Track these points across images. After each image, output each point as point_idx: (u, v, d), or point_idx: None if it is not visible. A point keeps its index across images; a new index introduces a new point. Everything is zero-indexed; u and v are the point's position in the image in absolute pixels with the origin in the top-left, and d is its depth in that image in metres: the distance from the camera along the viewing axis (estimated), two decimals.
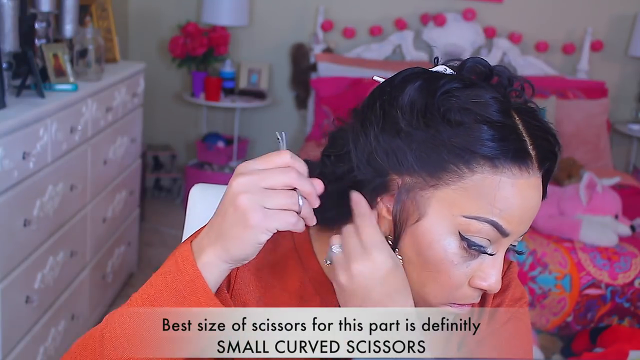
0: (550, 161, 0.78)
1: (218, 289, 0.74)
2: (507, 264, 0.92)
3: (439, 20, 3.88)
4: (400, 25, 3.96)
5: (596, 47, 3.98)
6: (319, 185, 0.72)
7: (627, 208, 2.88)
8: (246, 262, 0.73)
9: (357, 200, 0.76)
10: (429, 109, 0.75)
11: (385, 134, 0.77)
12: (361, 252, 0.74)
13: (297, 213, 0.71)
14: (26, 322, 2.04)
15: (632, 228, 2.81)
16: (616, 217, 2.79)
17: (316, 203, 0.71)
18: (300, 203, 0.70)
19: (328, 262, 0.78)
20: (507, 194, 0.74)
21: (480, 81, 0.80)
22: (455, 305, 0.80)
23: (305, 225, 0.72)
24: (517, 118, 0.76)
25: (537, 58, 3.98)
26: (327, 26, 3.95)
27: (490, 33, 3.96)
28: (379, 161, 0.77)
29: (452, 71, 0.81)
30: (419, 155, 0.75)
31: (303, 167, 0.71)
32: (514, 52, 3.94)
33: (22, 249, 1.98)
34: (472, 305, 0.82)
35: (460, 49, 3.87)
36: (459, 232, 0.76)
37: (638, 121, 4.05)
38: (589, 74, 4.02)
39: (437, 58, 0.84)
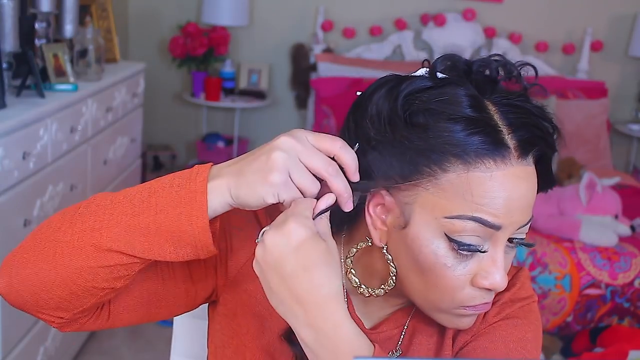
0: (540, 145, 0.75)
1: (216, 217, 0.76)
2: (518, 269, 0.90)
3: (439, 20, 3.88)
4: (400, 25, 3.96)
5: (596, 47, 3.98)
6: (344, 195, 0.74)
7: (627, 208, 2.88)
8: (247, 209, 0.74)
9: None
10: (393, 114, 0.75)
11: (361, 146, 0.77)
12: (279, 223, 0.71)
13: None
14: (26, 322, 2.03)
15: (632, 228, 2.81)
16: (616, 217, 2.78)
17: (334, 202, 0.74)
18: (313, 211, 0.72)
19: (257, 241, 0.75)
20: (486, 187, 0.73)
21: (460, 77, 0.78)
22: (468, 308, 0.78)
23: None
24: (494, 109, 0.75)
25: (537, 58, 3.97)
26: (327, 26, 3.95)
27: (490, 33, 3.96)
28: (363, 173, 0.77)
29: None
30: (391, 163, 0.75)
31: (349, 159, 0.74)
32: (514, 52, 3.94)
33: None
34: (485, 305, 0.79)
35: (461, 49, 3.87)
36: (445, 234, 0.74)
37: (638, 121, 4.05)
38: (589, 74, 4.02)
39: (426, 60, 0.82)
